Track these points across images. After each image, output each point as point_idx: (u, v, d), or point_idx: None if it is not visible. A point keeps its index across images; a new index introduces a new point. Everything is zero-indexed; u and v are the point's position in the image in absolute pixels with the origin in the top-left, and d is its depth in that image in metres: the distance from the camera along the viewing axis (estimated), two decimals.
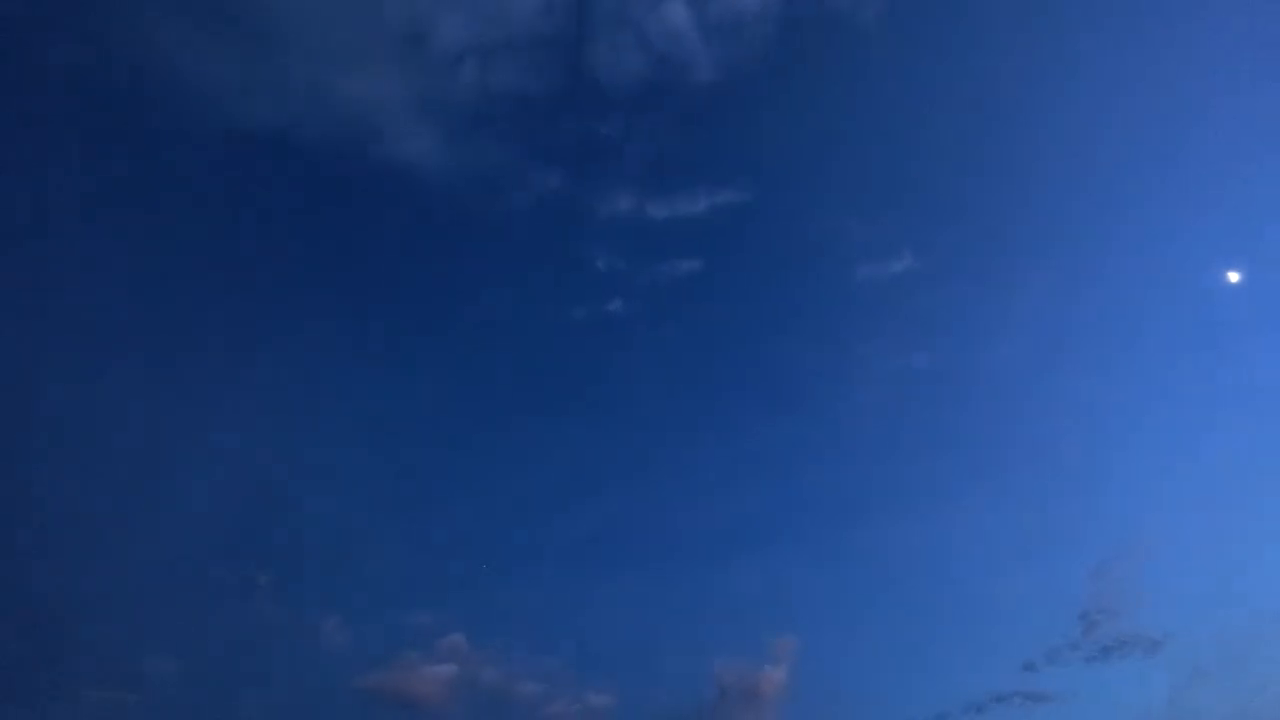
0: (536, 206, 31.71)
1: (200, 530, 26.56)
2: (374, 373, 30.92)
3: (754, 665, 29.78)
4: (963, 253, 33.92)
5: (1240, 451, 31.04)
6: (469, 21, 28.31)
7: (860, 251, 33.11)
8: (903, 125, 33.16)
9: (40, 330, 25.40)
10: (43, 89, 25.37)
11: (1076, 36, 31.43)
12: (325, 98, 27.70)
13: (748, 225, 33.04)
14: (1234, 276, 31.10)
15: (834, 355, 34.04)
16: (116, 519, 25.44)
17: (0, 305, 24.73)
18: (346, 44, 27.50)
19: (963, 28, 32.02)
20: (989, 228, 33.74)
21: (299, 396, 29.09)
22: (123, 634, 24.62)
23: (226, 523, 27.10)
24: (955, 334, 33.95)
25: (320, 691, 26.11)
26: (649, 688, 28.75)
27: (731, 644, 30.26)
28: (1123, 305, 33.52)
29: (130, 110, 26.39)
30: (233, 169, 28.38)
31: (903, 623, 31.30)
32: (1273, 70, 30.15)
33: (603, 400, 33.51)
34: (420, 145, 29.02)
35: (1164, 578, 30.39)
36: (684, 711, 28.69)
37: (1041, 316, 33.62)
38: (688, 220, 32.40)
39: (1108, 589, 30.26)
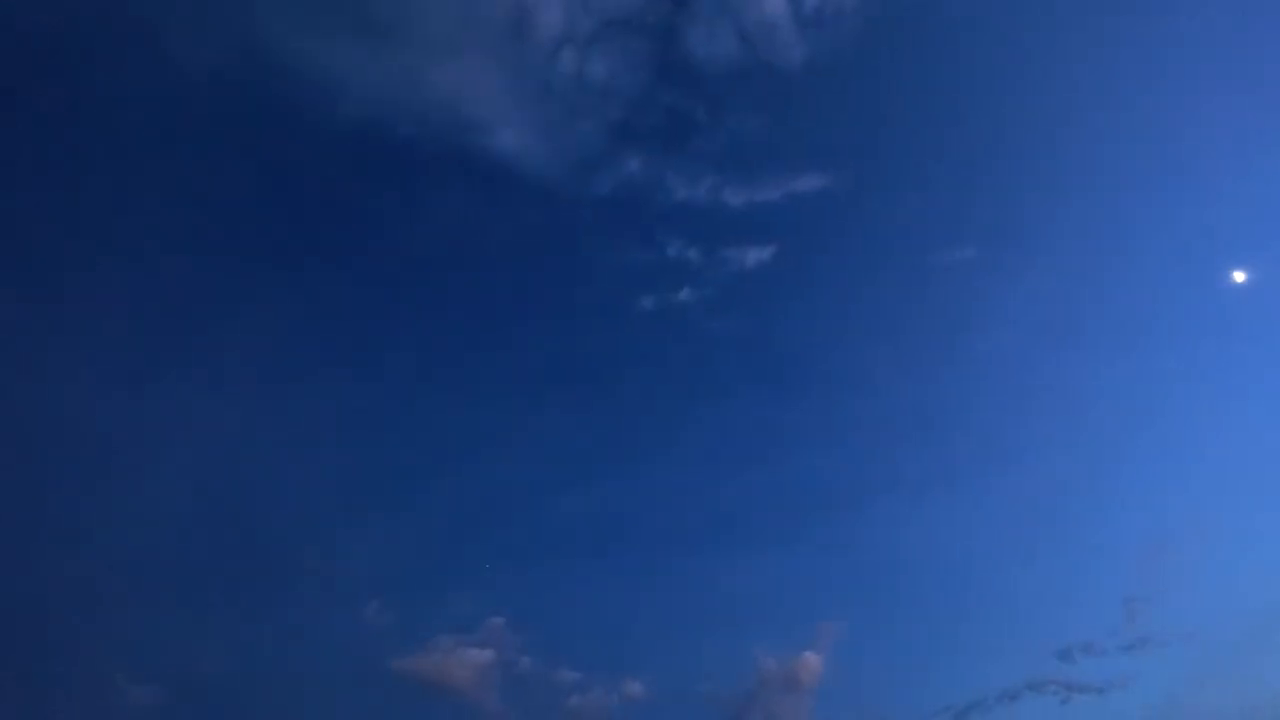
0: (616, 192, 32.18)
1: (235, 516, 27.55)
2: (431, 357, 31.80)
3: (790, 652, 30.15)
4: (1021, 242, 34.30)
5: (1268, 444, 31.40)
6: (570, 10, 29.34)
7: (931, 241, 33.68)
8: (970, 119, 33.62)
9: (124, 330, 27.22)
10: (140, 84, 26.63)
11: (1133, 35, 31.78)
12: (422, 87, 29.01)
13: (822, 215, 33.59)
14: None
15: (894, 343, 34.49)
16: (149, 506, 26.49)
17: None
18: (448, 33, 28.73)
19: (1041, 26, 32.34)
20: (1048, 217, 34.14)
21: (352, 380, 30.27)
22: (159, 617, 25.48)
23: (263, 507, 28.04)
24: (1010, 320, 34.25)
25: (356, 674, 26.87)
26: (686, 675, 29.24)
27: (768, 631, 30.70)
28: (1159, 293, 33.61)
29: (233, 102, 27.51)
30: (325, 160, 29.45)
31: (940, 608, 31.85)
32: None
33: (660, 388, 34.15)
34: (512, 136, 30.16)
35: (1198, 568, 30.67)
36: (721, 699, 29.03)
37: (1083, 303, 33.97)
38: (763, 207, 32.97)
39: (1150, 577, 30.52)
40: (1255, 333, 32.10)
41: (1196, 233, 32.83)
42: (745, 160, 33.04)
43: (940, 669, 30.56)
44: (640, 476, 32.88)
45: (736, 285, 33.14)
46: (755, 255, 33.60)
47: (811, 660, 29.79)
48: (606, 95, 31.02)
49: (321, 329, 30.62)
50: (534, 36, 29.33)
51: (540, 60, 29.70)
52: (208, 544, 27.26)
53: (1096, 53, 32.18)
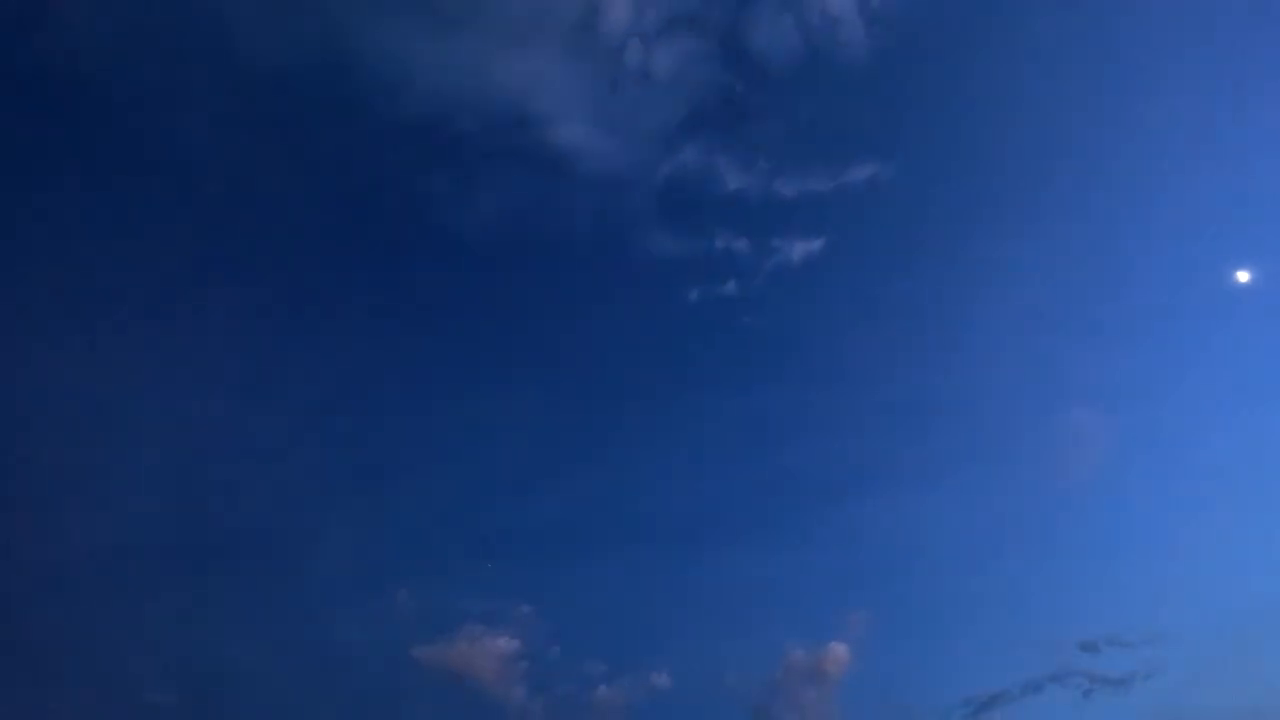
0: (672, 184, 32.60)
1: (268, 498, 27.90)
2: (473, 345, 32.28)
3: (816, 643, 30.05)
4: (1077, 239, 34.62)
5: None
6: (639, 4, 29.34)
7: (976, 233, 34.00)
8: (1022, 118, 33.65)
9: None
10: (210, 78, 27.04)
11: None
12: (487, 80, 29.25)
13: (871, 207, 33.88)
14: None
15: (922, 331, 34.75)
16: (180, 484, 26.83)
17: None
18: (517, 26, 28.84)
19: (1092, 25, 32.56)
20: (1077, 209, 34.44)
21: (385, 367, 30.83)
22: (179, 608, 25.74)
23: (284, 493, 28.21)
24: (1031, 307, 34.38)
25: (380, 661, 27.14)
26: (711, 667, 29.36)
27: (793, 622, 30.70)
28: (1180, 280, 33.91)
29: (301, 97, 28.04)
30: (384, 154, 29.89)
31: (964, 599, 31.82)
32: None
33: (694, 378, 34.30)
34: (573, 129, 30.45)
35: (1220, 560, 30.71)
36: (746, 690, 29.10)
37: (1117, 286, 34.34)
38: (813, 199, 33.24)
39: (1176, 568, 30.57)
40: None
41: (1207, 225, 33.20)
42: (800, 153, 33.35)
43: (964, 660, 30.79)
44: (669, 467, 33.22)
45: (780, 277, 33.49)
46: (802, 248, 33.85)
47: (838, 651, 29.86)
48: (669, 89, 31.14)
49: (369, 316, 31.37)
50: (601, 30, 29.42)
51: (606, 54, 29.85)
52: (228, 532, 27.69)
53: (1136, 51, 32.42)
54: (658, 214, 33.45)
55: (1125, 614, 30.45)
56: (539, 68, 29.35)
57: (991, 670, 29.91)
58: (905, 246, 34.70)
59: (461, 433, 31.70)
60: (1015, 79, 33.52)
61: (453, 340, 32.53)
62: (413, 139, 29.14)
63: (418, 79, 28.01)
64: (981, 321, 34.73)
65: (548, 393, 32.91)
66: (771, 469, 33.43)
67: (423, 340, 32.23)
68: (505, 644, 28.32)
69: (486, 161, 30.35)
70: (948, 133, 34.07)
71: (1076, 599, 31.38)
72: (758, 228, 33.36)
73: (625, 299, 33.99)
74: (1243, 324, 32.75)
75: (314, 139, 28.35)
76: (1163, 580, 30.79)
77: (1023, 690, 29.22)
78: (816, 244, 33.35)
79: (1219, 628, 29.42)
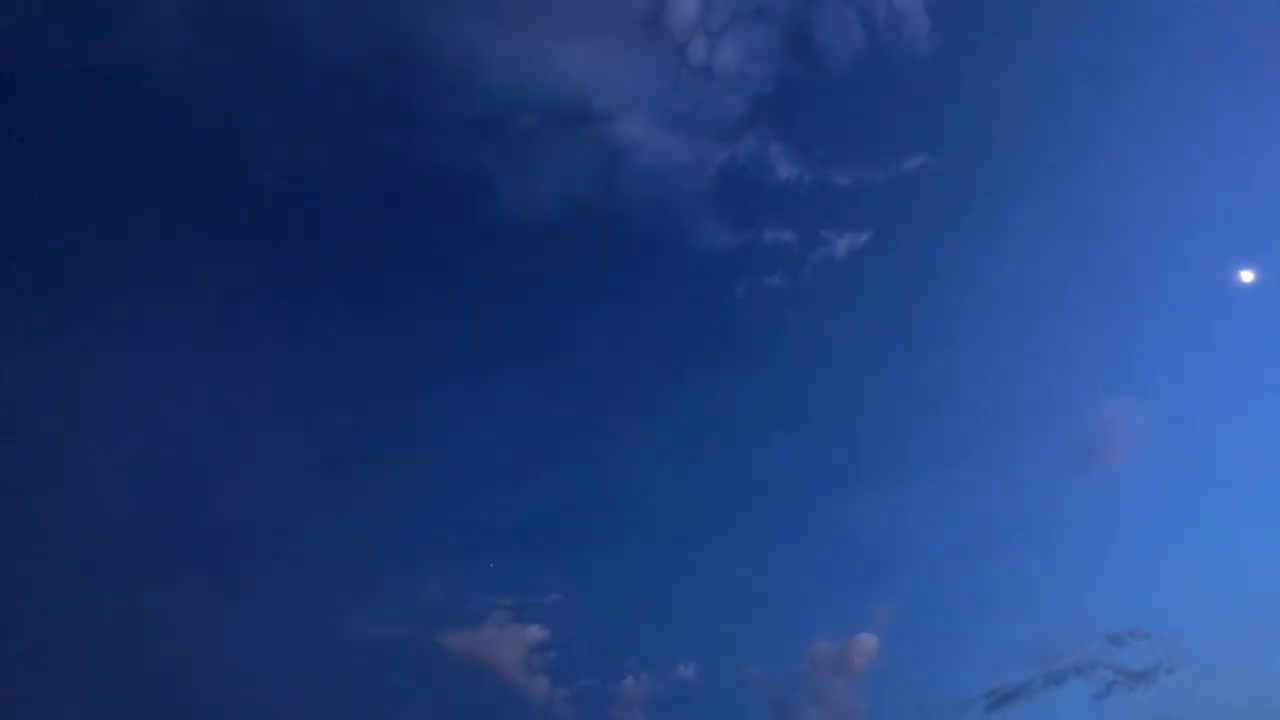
0: (729, 180, 32.72)
1: (299, 482, 27.88)
2: (526, 346, 32.42)
3: (838, 636, 30.14)
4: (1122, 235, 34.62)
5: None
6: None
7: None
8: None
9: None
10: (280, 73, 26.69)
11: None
12: (551, 75, 28.96)
13: (919, 201, 33.99)
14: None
15: (971, 324, 34.88)
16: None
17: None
18: (583, 21, 28.41)
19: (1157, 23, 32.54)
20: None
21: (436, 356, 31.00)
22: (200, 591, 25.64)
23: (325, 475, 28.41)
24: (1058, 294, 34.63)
25: (406, 648, 27.17)
26: (737, 658, 29.55)
27: (816, 616, 30.91)
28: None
29: (367, 94, 28.09)
30: (450, 149, 29.72)
31: (988, 591, 31.92)
32: None
33: (742, 373, 34.29)
34: (634, 125, 30.41)
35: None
36: (769, 684, 29.22)
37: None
38: (864, 190, 33.49)
39: (1207, 561, 30.63)
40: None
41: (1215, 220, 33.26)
42: (854, 148, 33.55)
43: (987, 652, 30.97)
44: (701, 458, 33.24)
45: (826, 269, 33.73)
46: (848, 241, 34.04)
47: (861, 644, 29.97)
48: (730, 84, 30.90)
49: (429, 311, 31.49)
50: (667, 25, 29.03)
51: (671, 49, 29.50)
52: (251, 514, 27.63)
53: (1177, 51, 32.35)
54: (711, 206, 33.53)
55: (1151, 606, 30.50)
56: (604, 62, 29.26)
57: (1015, 662, 30.11)
58: (949, 238, 34.85)
59: (494, 419, 31.91)
60: (1062, 77, 33.67)
61: (498, 326, 32.76)
62: (475, 135, 29.26)
63: (483, 75, 28.00)
64: (1024, 309, 34.78)
65: (583, 382, 33.03)
66: (803, 460, 33.45)
67: (471, 326, 32.56)
68: (529, 633, 28.50)
69: (546, 156, 30.34)
70: (997, 127, 34.12)
71: (1104, 591, 31.57)
72: (808, 220, 33.61)
73: (672, 290, 34.26)
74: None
75: (375, 135, 28.45)
76: (1190, 573, 30.95)
77: (1045, 682, 29.50)
78: (863, 236, 33.53)
79: (1244, 621, 29.60)
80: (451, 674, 27.48)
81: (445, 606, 28.38)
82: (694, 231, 33.53)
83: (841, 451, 33.47)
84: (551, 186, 31.40)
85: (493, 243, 31.03)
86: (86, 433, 25.93)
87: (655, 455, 32.85)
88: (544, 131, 29.57)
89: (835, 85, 32.04)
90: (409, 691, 27.28)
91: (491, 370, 32.29)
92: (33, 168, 25.03)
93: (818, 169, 32.90)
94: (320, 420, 29.93)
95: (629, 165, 31.13)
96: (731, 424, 33.55)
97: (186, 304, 27.72)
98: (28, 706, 22.57)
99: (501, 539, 30.37)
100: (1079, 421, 33.20)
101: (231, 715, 24.94)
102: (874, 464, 33.65)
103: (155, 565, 25.82)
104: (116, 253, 26.04)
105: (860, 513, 32.82)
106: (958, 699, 29.49)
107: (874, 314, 34.72)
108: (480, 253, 31.48)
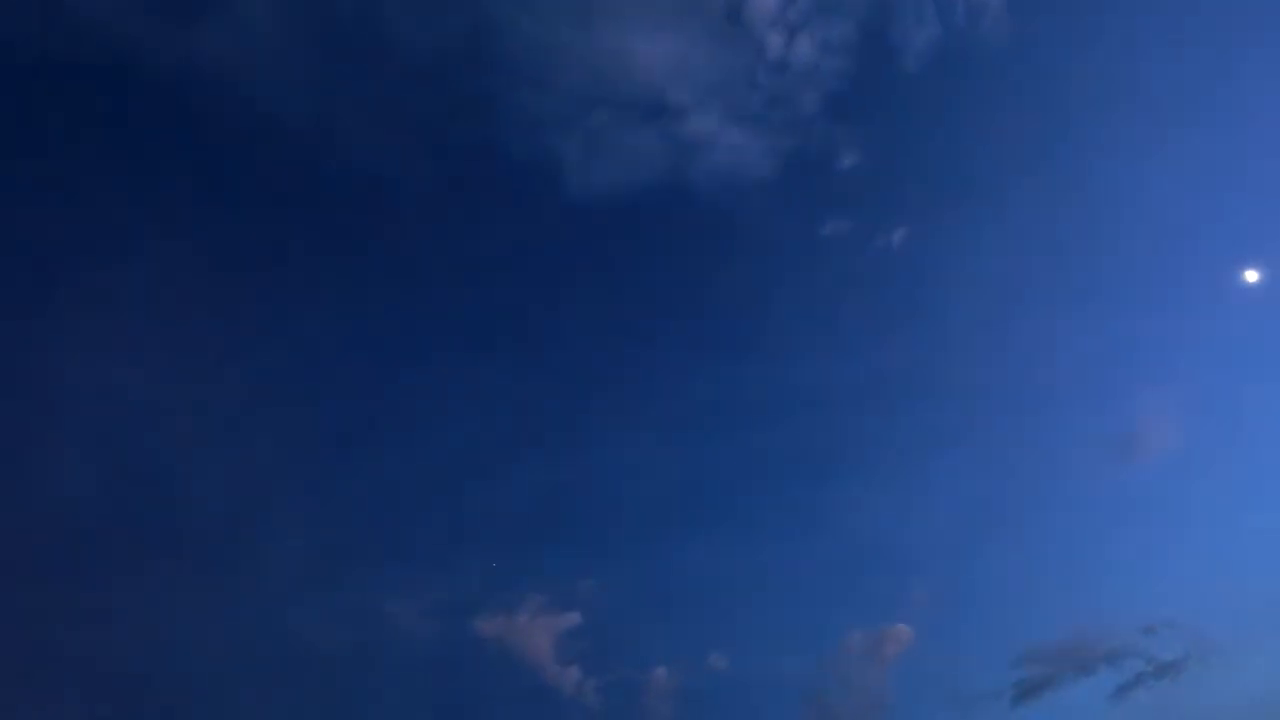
0: (791, 170, 32.29)
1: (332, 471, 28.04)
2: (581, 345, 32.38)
3: (869, 627, 30.34)
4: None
5: None
6: None
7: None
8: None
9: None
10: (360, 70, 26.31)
11: None
12: (629, 69, 28.57)
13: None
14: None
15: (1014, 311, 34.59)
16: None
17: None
18: (663, 14, 27.88)
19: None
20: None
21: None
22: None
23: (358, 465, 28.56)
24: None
25: (439, 634, 27.36)
26: (768, 648, 29.70)
27: (848, 605, 31.06)
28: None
29: (449, 89, 27.62)
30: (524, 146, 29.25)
31: (1018, 578, 32.16)
32: None
33: (789, 365, 33.82)
34: (706, 120, 30.11)
35: None
36: (803, 673, 29.52)
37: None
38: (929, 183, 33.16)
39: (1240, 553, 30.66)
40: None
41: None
42: (924, 143, 33.06)
43: (1016, 640, 30.96)
44: (733, 444, 33.01)
45: (884, 259, 33.63)
46: (904, 232, 33.82)
47: (892, 634, 30.10)
48: (804, 79, 30.48)
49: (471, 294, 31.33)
50: (746, 19, 28.49)
51: (748, 44, 29.04)
52: (299, 497, 27.83)
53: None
54: (775, 199, 33.29)
55: (1181, 597, 30.53)
56: (682, 56, 28.76)
57: (1044, 652, 30.08)
58: (1005, 230, 34.38)
59: (527, 401, 31.70)
60: (1127, 72, 32.69)
61: (544, 313, 32.55)
62: (548, 130, 29.02)
63: (561, 70, 27.57)
64: (1071, 295, 34.51)
65: (625, 369, 32.99)
66: (837, 446, 33.38)
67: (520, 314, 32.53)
68: (562, 620, 28.59)
69: (617, 150, 30.18)
70: (1070, 122, 33.31)
71: (1135, 581, 31.67)
72: (869, 213, 33.28)
73: (724, 278, 33.78)
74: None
75: (452, 130, 28.32)
76: (1219, 564, 31.00)
77: (1075, 673, 29.78)
78: (917, 225, 33.28)
79: (1273, 613, 29.43)
80: (479, 655, 27.78)
81: (478, 595, 28.70)
82: (754, 223, 33.50)
83: (875, 437, 33.55)
84: (617, 179, 31.39)
85: (555, 235, 31.27)
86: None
87: (690, 442, 32.78)
88: (616, 127, 29.48)
89: (908, 80, 31.60)
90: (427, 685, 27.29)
91: (539, 357, 32.44)
92: (113, 162, 25.40)
93: (882, 162, 32.75)
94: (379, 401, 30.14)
95: (699, 161, 31.03)
96: (774, 408, 33.39)
97: (242, 299, 27.94)
98: None
99: (532, 527, 30.56)
100: (1117, 411, 33.15)
101: (231, 712, 24.88)
102: (907, 451, 33.60)
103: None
104: (188, 246, 26.49)
105: (893, 501, 33.08)
106: (986, 688, 29.87)
107: (918, 300, 34.61)
108: (541, 241, 31.58)
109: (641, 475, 31.99)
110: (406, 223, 28.20)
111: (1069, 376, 33.70)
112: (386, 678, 27.18)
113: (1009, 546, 32.72)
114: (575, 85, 27.80)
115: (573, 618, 28.55)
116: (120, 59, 23.25)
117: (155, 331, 26.47)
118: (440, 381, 30.52)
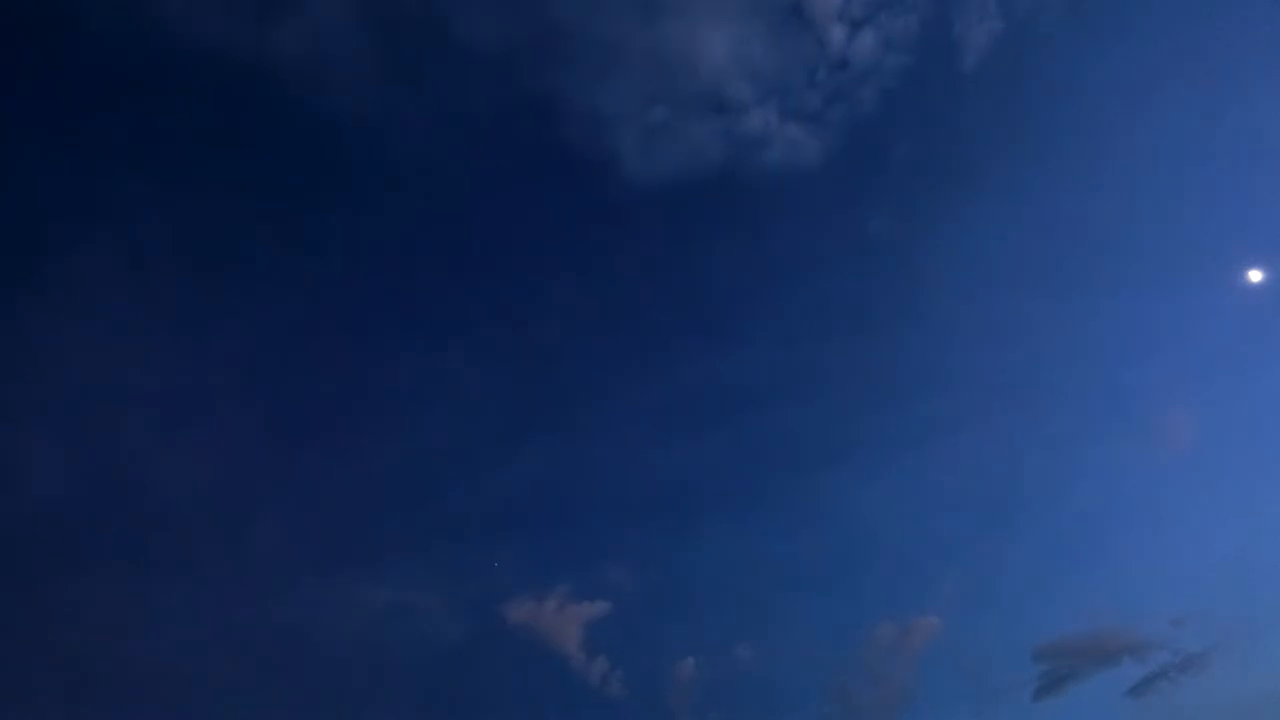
0: (846, 166, 32.31)
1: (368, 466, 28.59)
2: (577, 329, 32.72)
3: (896, 618, 30.44)
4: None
5: None
6: None
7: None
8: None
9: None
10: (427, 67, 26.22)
11: None
12: (690, 65, 28.54)
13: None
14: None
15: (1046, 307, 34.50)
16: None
17: None
18: (724, 8, 27.73)
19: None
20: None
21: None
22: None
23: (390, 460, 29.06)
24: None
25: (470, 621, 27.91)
26: (794, 639, 30.01)
27: (876, 597, 31.37)
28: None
29: (512, 85, 27.63)
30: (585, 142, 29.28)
31: (1045, 567, 32.78)
32: None
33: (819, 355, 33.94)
34: (763, 117, 30.13)
35: None
36: (829, 665, 29.83)
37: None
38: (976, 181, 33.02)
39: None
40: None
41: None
42: (979, 139, 32.79)
43: (1046, 632, 31.26)
44: (763, 435, 33.09)
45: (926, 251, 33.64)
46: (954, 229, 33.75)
47: (918, 625, 30.19)
48: (864, 77, 30.36)
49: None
50: (808, 15, 28.31)
51: (810, 40, 28.86)
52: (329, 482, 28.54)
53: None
54: (824, 195, 33.29)
55: (1204, 592, 30.51)
56: (743, 52, 28.62)
57: (1069, 643, 30.18)
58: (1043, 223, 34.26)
59: (564, 398, 32.13)
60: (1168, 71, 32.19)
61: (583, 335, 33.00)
62: (608, 129, 29.16)
63: (621, 66, 27.63)
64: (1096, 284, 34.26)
65: (658, 358, 33.24)
66: (866, 436, 33.65)
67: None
68: (590, 609, 28.71)
69: (674, 146, 30.28)
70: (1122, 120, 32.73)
71: (1160, 575, 31.76)
72: (915, 209, 33.40)
73: (773, 273, 34.12)
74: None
75: (517, 125, 28.52)
76: (1252, 556, 30.88)
77: (1098, 664, 29.93)
78: (962, 224, 33.23)
79: None
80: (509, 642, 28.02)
81: (500, 585, 28.95)
82: (803, 218, 33.51)
83: (904, 429, 33.50)
84: (670, 173, 31.52)
85: (610, 225, 31.53)
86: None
87: (721, 433, 32.87)
88: (675, 123, 29.55)
89: (966, 78, 31.25)
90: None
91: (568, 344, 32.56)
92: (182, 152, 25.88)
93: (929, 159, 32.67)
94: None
95: (752, 159, 31.04)
96: (805, 398, 33.63)
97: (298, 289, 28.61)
98: None
99: (568, 517, 30.87)
100: (1148, 403, 33.25)
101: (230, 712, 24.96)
102: (934, 443, 33.42)
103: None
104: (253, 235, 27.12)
105: (920, 493, 33.31)
106: (1008, 681, 30.12)
107: (958, 292, 34.42)
108: (593, 232, 31.92)
109: (671, 466, 32.20)
110: (467, 215, 28.80)
111: (1098, 370, 33.93)
112: (404, 670, 27.72)
113: (1033, 538, 33.15)
114: (637, 82, 28.04)
115: (600, 608, 28.81)
116: (198, 54, 23.67)
117: (174, 325, 26.91)
118: (467, 368, 30.98)
